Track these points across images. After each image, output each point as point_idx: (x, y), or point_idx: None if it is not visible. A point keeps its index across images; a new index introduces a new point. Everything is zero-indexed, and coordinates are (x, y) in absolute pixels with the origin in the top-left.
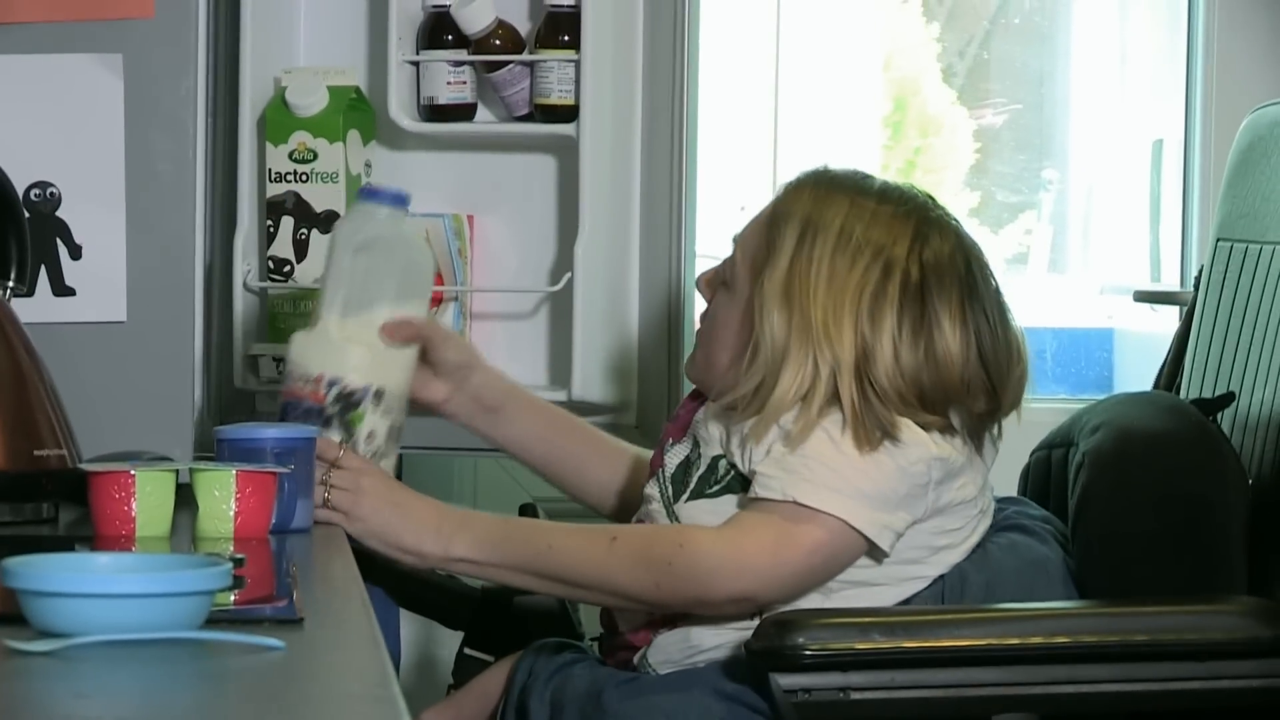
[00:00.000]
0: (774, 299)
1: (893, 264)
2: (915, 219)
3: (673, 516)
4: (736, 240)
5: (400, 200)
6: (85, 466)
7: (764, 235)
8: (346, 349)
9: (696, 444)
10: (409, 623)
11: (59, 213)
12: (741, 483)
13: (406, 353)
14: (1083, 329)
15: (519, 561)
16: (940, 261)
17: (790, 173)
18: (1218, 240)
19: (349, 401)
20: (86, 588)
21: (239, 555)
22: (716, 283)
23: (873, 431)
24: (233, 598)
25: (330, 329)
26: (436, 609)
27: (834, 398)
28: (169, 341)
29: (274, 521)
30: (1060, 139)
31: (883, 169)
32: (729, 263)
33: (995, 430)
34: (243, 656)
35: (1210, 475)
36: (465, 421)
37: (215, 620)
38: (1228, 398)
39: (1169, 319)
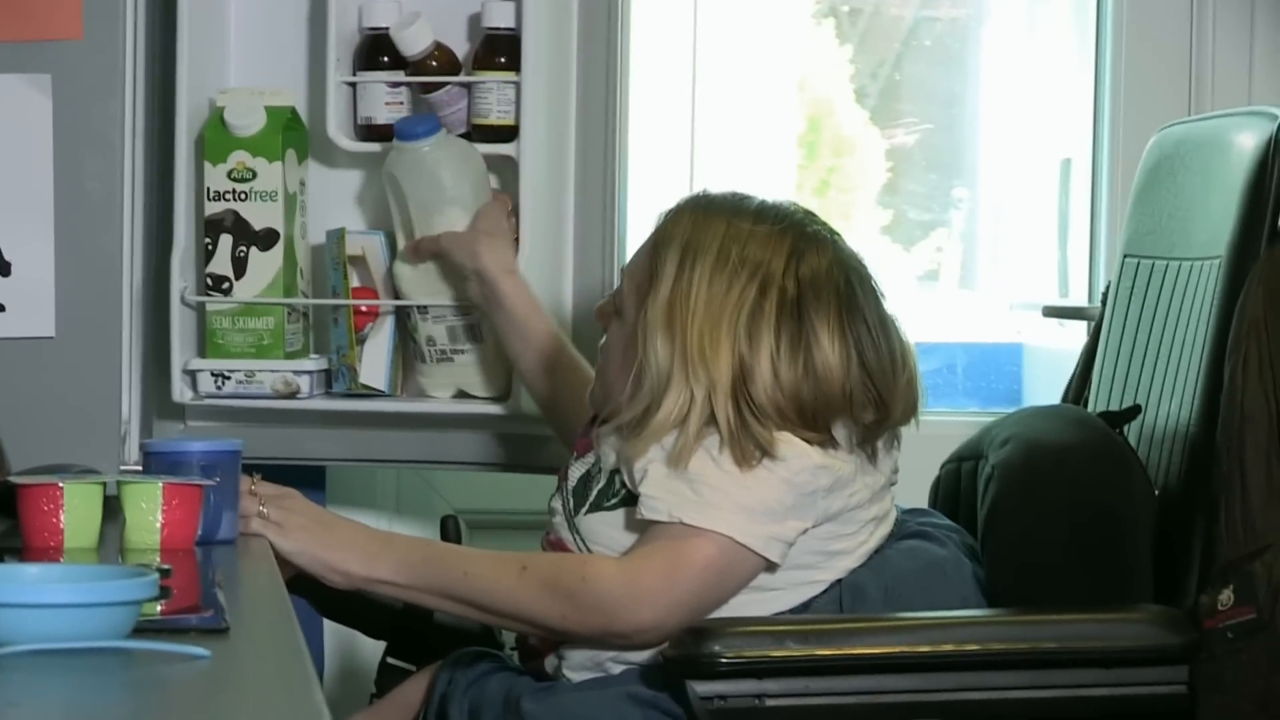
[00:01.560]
0: (656, 325)
1: (769, 281)
2: (791, 235)
3: (573, 529)
4: (625, 271)
5: (401, 135)
6: (14, 479)
7: (647, 263)
8: (395, 275)
9: (598, 458)
10: (332, 633)
11: None
12: (634, 497)
13: (433, 267)
14: (992, 344)
15: (437, 586)
16: (817, 276)
17: (718, 188)
18: (1124, 256)
19: (408, 317)
20: (15, 598)
21: (165, 566)
22: (609, 312)
23: (749, 450)
24: (159, 608)
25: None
26: (359, 619)
27: (711, 418)
28: (97, 356)
29: (200, 533)
30: (970, 158)
31: (797, 188)
32: (619, 292)
33: (891, 439)
34: (169, 665)
35: (1117, 487)
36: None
37: (142, 630)
38: (1134, 411)
39: (1077, 334)
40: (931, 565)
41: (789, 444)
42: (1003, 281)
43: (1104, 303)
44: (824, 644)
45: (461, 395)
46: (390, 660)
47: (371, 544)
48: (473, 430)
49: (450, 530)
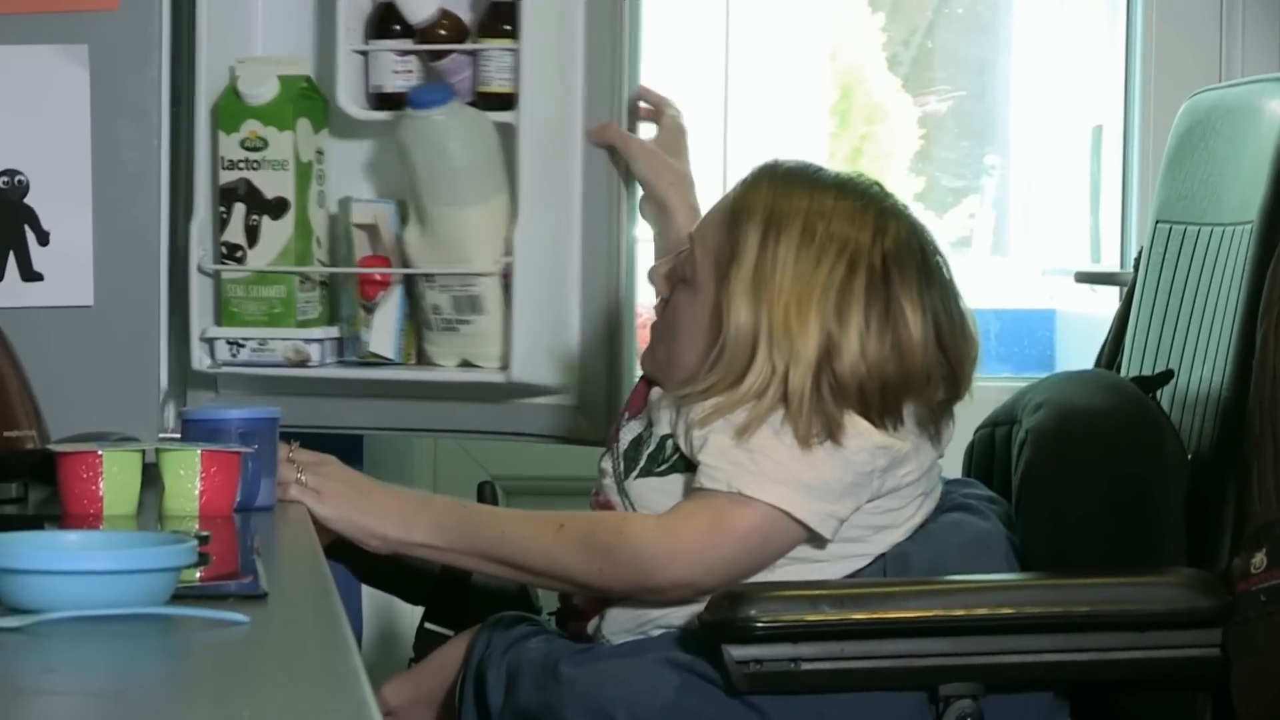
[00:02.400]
0: (741, 297)
1: (858, 258)
2: (874, 210)
3: (623, 493)
4: (695, 237)
5: (414, 103)
6: (53, 447)
7: (725, 233)
8: (404, 243)
9: (650, 422)
10: (370, 598)
11: (27, 200)
12: (687, 463)
13: (440, 236)
14: (1025, 310)
15: (474, 547)
16: (900, 250)
17: (741, 160)
18: (1157, 222)
19: (413, 284)
20: (55, 565)
21: (204, 533)
22: (675, 278)
23: (816, 428)
24: (198, 574)
25: None
26: (397, 585)
27: (787, 393)
28: (135, 325)
29: (238, 500)
30: (1002, 125)
31: (830, 156)
32: (689, 259)
33: (950, 414)
34: (208, 631)
35: (1150, 451)
36: None
37: (181, 596)
38: (1166, 375)
39: (1109, 299)
40: (975, 539)
41: (852, 423)
42: (1035, 248)
43: (1136, 268)
44: (859, 608)
45: (466, 365)
46: (428, 625)
47: (408, 508)
48: (478, 399)
49: (487, 496)
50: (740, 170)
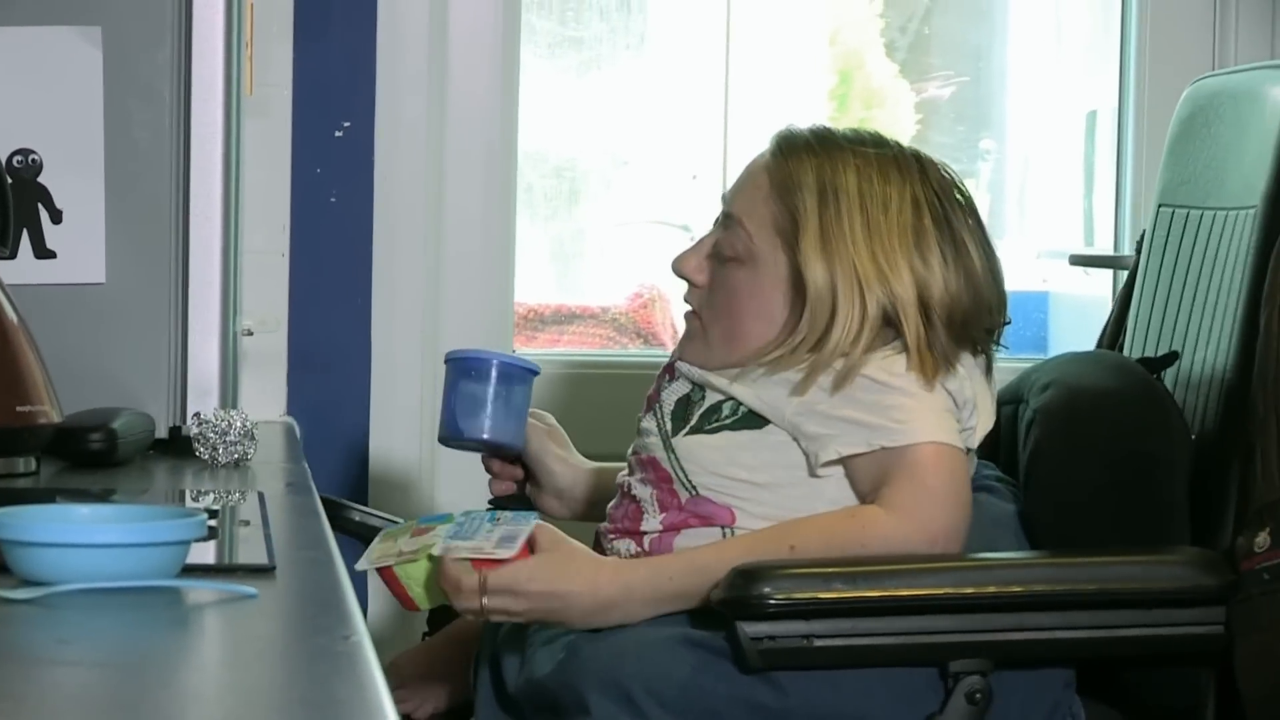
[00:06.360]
0: (816, 258)
1: (918, 199)
2: (906, 155)
3: (669, 449)
4: (738, 215)
5: None
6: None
7: (778, 204)
8: None
9: (696, 385)
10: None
11: (40, 179)
12: (744, 423)
13: None
14: (1020, 292)
15: (699, 603)
16: (944, 186)
17: (740, 142)
18: (1159, 206)
19: None
20: (67, 538)
21: (214, 506)
22: (716, 260)
23: (939, 360)
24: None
25: None
26: None
27: (878, 339)
28: (146, 302)
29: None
30: (998, 111)
31: None
32: (734, 238)
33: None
34: (217, 603)
35: (1156, 431)
36: None
37: (191, 569)
38: (1171, 357)
39: (1101, 282)
40: (995, 521)
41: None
42: (1029, 231)
43: (1139, 251)
44: (870, 585)
45: None
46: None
47: (602, 593)
48: None
49: None
50: (740, 153)
